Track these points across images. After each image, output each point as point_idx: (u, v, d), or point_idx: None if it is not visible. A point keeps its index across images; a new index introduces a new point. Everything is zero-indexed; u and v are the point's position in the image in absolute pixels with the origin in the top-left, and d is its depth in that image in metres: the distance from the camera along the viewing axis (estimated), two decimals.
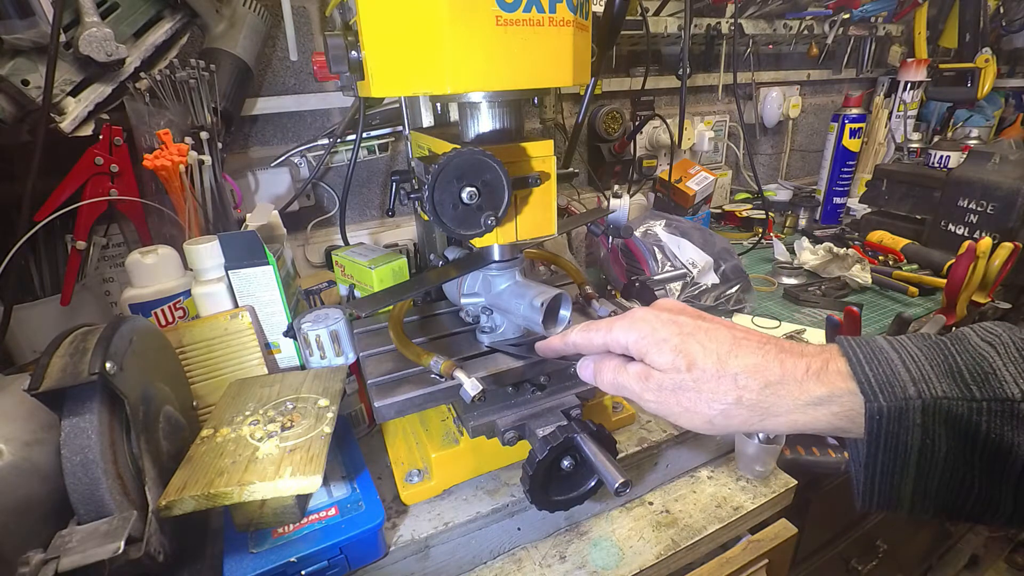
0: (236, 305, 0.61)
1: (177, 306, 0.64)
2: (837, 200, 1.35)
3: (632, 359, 0.38)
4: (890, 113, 1.47)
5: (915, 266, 1.01)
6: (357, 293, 0.69)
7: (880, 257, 1.07)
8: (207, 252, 0.60)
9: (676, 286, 0.88)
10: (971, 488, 0.29)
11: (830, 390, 0.31)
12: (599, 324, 0.39)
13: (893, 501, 0.31)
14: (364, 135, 0.90)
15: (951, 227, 1.03)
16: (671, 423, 0.35)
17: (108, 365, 0.38)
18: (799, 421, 0.32)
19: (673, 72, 1.26)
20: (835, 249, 0.99)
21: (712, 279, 0.90)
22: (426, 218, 0.51)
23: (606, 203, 0.66)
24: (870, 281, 0.94)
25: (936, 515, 0.31)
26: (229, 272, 0.59)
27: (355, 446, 0.55)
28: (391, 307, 0.57)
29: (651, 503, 0.60)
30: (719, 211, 1.37)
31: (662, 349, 0.35)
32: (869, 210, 1.23)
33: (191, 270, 0.62)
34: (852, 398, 0.30)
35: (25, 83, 0.64)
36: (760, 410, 0.33)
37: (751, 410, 0.33)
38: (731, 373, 0.33)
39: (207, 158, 0.72)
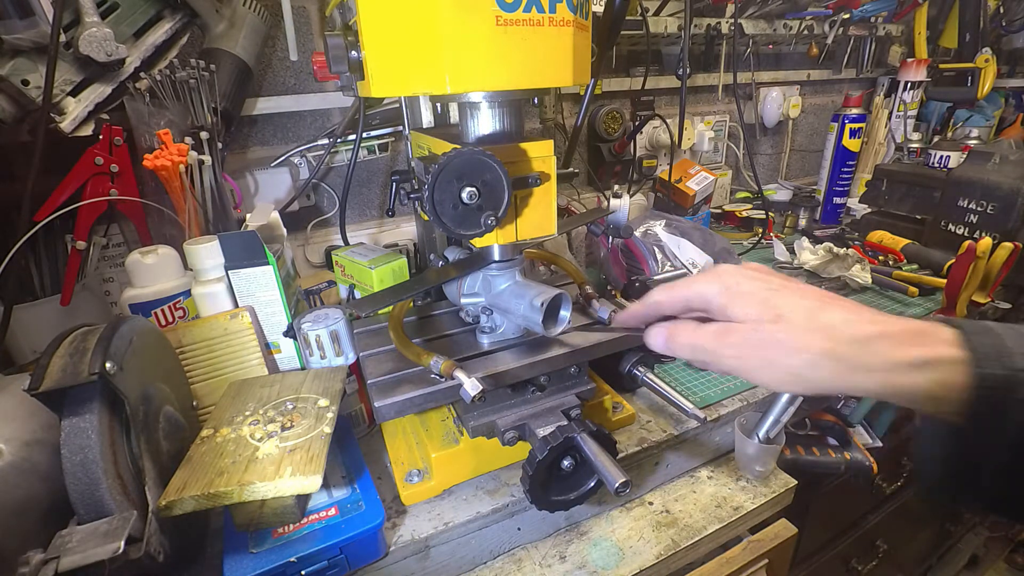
0: (236, 305, 0.61)
1: (177, 306, 0.64)
2: (837, 200, 1.35)
3: (707, 321, 0.37)
4: (890, 113, 1.47)
5: (915, 266, 1.01)
6: (357, 293, 0.69)
7: (880, 257, 1.07)
8: (207, 252, 0.60)
9: None
10: None
11: (932, 353, 0.29)
12: (680, 280, 0.39)
13: (972, 485, 0.30)
14: (364, 135, 0.90)
15: (951, 227, 1.03)
16: (751, 381, 0.35)
17: (108, 365, 0.38)
18: (895, 383, 0.30)
19: (673, 72, 1.26)
20: (835, 249, 0.98)
21: None
22: (426, 218, 0.51)
23: (606, 203, 0.66)
24: (870, 281, 0.94)
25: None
26: (229, 272, 0.59)
27: (355, 446, 0.55)
28: (391, 307, 0.57)
29: (651, 503, 0.60)
30: (719, 211, 1.37)
31: (747, 302, 0.34)
32: (869, 210, 1.23)
33: (191, 270, 0.62)
34: (954, 368, 0.28)
35: (25, 83, 0.64)
36: (851, 365, 0.30)
37: (840, 363, 0.30)
38: (822, 325, 0.31)
39: (207, 158, 0.72)
